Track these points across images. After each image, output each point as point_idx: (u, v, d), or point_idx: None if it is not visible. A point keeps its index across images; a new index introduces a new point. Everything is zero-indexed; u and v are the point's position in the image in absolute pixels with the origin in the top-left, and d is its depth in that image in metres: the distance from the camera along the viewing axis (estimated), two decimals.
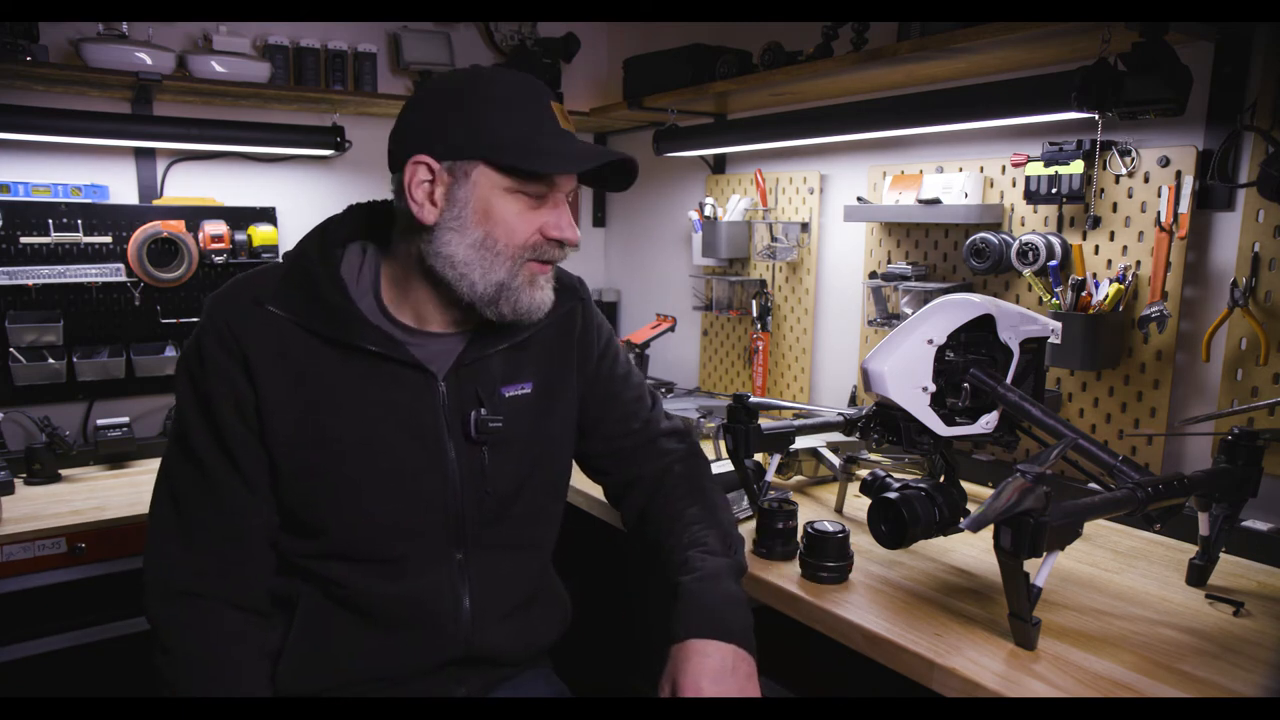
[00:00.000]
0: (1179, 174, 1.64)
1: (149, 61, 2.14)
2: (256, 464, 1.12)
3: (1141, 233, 1.70)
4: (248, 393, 1.10)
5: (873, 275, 2.18)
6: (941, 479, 1.40)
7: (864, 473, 1.56)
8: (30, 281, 2.19)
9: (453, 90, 1.10)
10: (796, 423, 1.66)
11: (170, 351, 2.36)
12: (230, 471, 1.12)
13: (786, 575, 1.40)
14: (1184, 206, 1.62)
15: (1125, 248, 1.73)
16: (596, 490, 1.46)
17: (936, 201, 1.96)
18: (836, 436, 1.74)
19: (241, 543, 1.13)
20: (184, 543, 1.12)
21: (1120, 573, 1.44)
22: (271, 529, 1.15)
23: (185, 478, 1.13)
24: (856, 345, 2.34)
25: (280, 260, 1.19)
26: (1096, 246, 1.77)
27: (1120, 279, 1.69)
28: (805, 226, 2.43)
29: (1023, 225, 1.91)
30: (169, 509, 1.14)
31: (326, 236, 1.18)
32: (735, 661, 1.08)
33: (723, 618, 1.11)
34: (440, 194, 1.08)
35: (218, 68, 2.25)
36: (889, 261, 2.19)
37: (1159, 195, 1.66)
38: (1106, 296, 1.69)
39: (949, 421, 1.39)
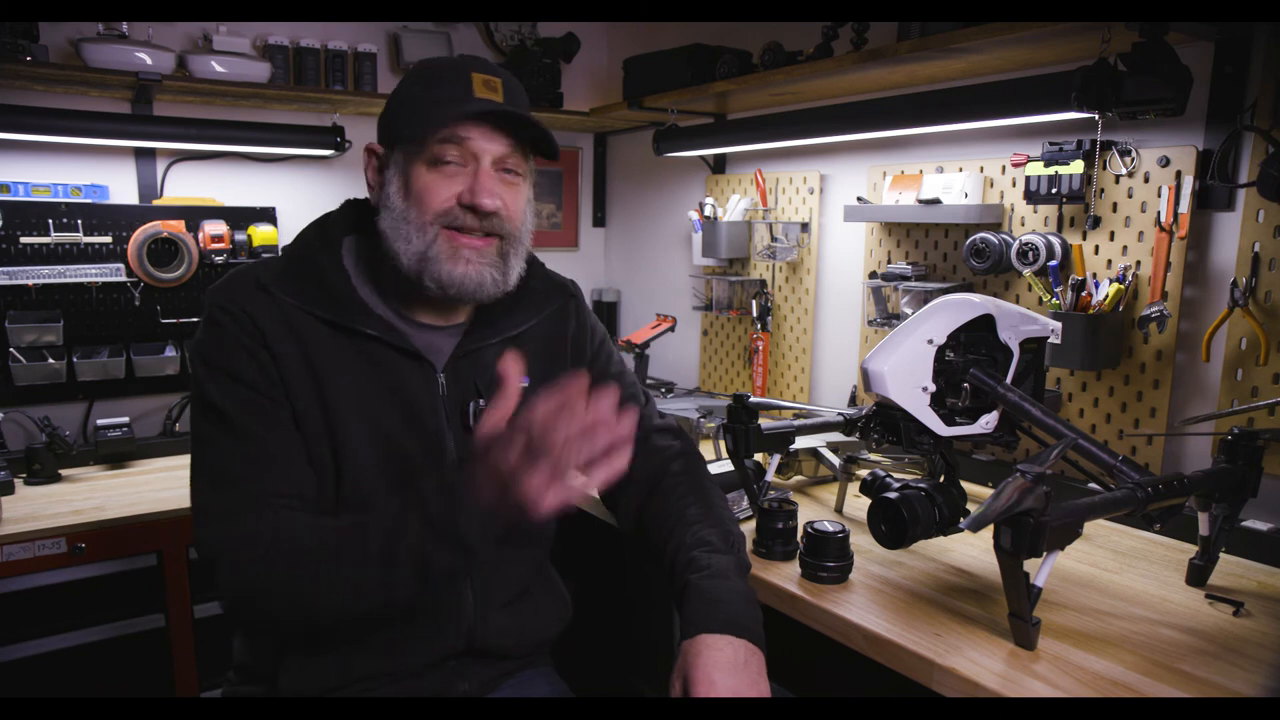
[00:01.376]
0: (1179, 174, 1.64)
1: (149, 61, 2.14)
2: (294, 429, 1.10)
3: (1141, 233, 1.70)
4: (271, 366, 1.09)
5: (873, 275, 2.18)
6: (941, 479, 1.40)
7: (864, 473, 1.56)
8: (30, 281, 2.19)
9: (401, 81, 1.19)
10: (796, 423, 1.66)
11: (170, 351, 2.36)
12: (276, 428, 1.08)
13: (786, 575, 1.40)
14: (1184, 206, 1.62)
15: (1125, 248, 1.73)
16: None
17: (936, 201, 1.96)
18: (836, 436, 1.74)
19: (306, 495, 1.08)
20: (243, 501, 1.04)
21: (1120, 573, 1.44)
22: (316, 493, 1.11)
23: (230, 454, 1.07)
24: (856, 345, 2.34)
25: (279, 254, 1.21)
26: (1096, 246, 1.77)
27: (1120, 279, 1.69)
28: (805, 226, 2.43)
29: (1023, 225, 1.91)
30: (213, 484, 1.07)
31: (327, 229, 1.21)
32: (747, 656, 1.07)
33: (734, 613, 1.10)
34: (378, 175, 1.17)
35: (218, 68, 2.25)
36: (889, 261, 2.19)
37: (1159, 195, 1.66)
38: (1106, 296, 1.69)
39: (949, 421, 1.39)
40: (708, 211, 2.58)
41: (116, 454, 2.20)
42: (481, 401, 1.19)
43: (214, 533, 1.04)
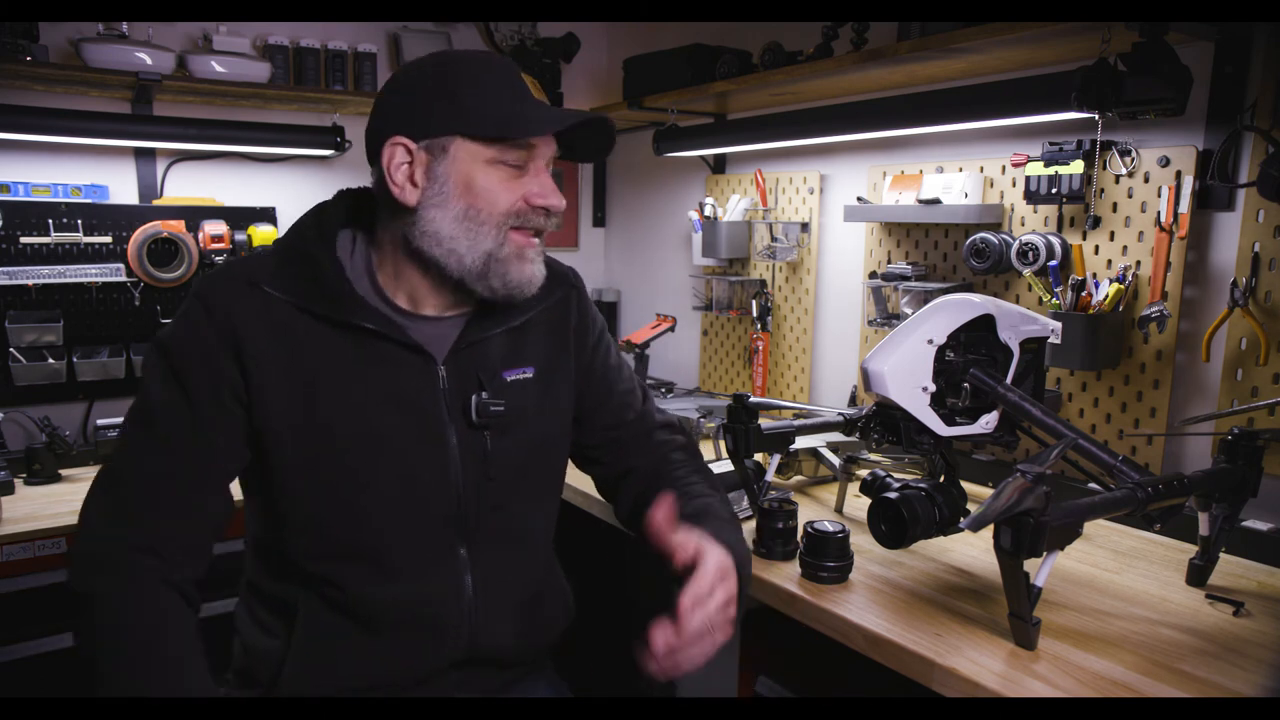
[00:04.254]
0: (1179, 174, 1.64)
1: (149, 61, 2.14)
2: (222, 452, 1.09)
3: (1141, 233, 1.70)
4: (235, 378, 1.08)
5: (873, 275, 2.18)
6: (941, 479, 1.40)
7: (864, 473, 1.56)
8: (30, 281, 2.19)
9: (423, 72, 1.12)
10: (796, 423, 1.66)
11: None
12: (189, 455, 1.07)
13: (786, 575, 1.40)
14: (1184, 206, 1.62)
15: (1125, 248, 1.73)
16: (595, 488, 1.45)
17: (936, 201, 1.96)
18: (836, 436, 1.74)
19: (186, 522, 1.09)
20: (124, 515, 1.06)
21: (1120, 573, 1.44)
22: (218, 523, 1.12)
23: (136, 457, 1.08)
24: (856, 345, 2.34)
25: (273, 246, 1.18)
26: (1096, 246, 1.77)
27: (1120, 279, 1.69)
28: (805, 226, 2.43)
29: (1023, 225, 1.91)
30: (107, 490, 1.09)
31: (323, 221, 1.17)
32: (729, 572, 1.08)
33: (740, 551, 1.13)
34: (420, 174, 1.09)
35: (218, 68, 2.25)
36: (889, 261, 2.19)
37: (1159, 195, 1.66)
38: (1106, 296, 1.69)
39: (949, 421, 1.39)
40: (708, 211, 2.58)
41: None
42: (484, 394, 1.17)
43: (85, 523, 1.09)
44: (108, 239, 2.28)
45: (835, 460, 1.80)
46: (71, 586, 1.05)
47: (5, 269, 2.16)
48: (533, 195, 1.11)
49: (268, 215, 2.50)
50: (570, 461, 1.38)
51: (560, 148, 1.17)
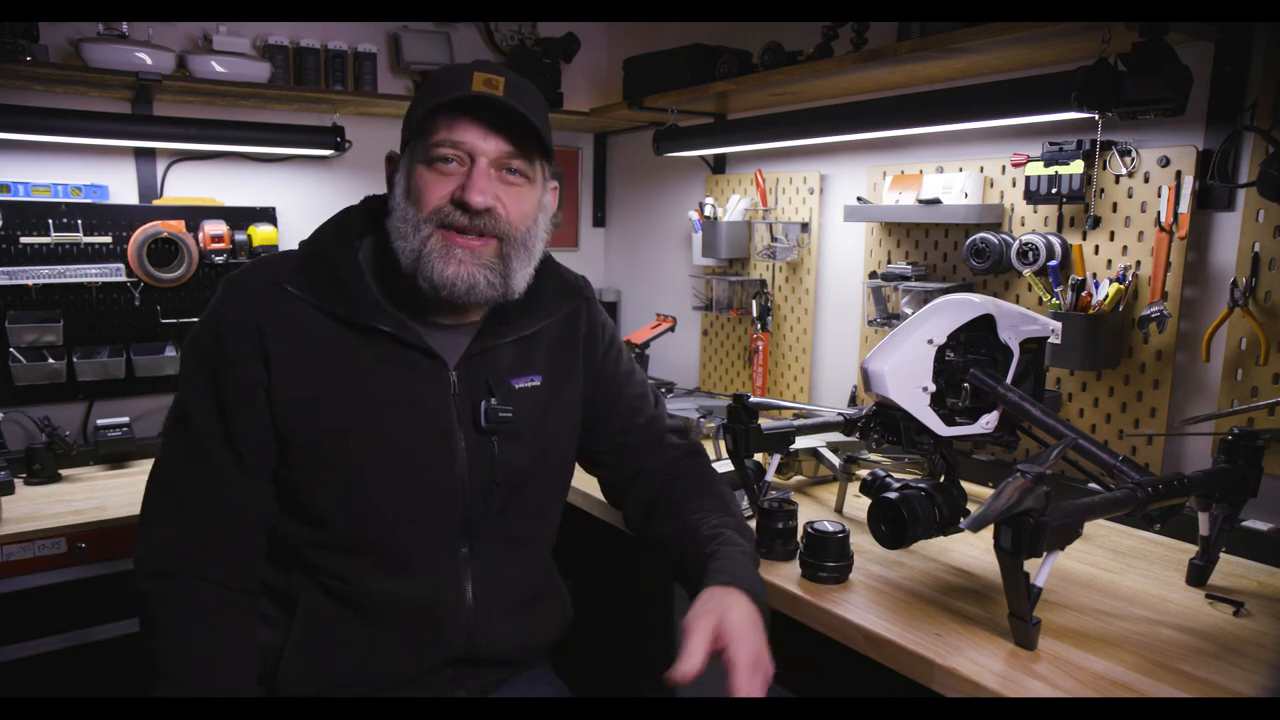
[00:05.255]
0: (1179, 174, 1.64)
1: (149, 61, 2.14)
2: (259, 449, 1.13)
3: (1141, 233, 1.70)
4: (259, 372, 1.11)
5: (873, 275, 2.18)
6: (941, 479, 1.40)
7: (864, 473, 1.56)
8: (30, 281, 2.19)
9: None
10: (796, 423, 1.66)
11: (170, 351, 2.36)
12: (230, 457, 1.12)
13: (786, 575, 1.40)
14: (1184, 206, 1.62)
15: (1125, 248, 1.73)
16: (597, 489, 1.46)
17: (936, 201, 1.96)
18: (836, 436, 1.74)
19: (236, 528, 1.14)
20: (178, 523, 1.12)
21: (1120, 573, 1.44)
22: (268, 517, 1.16)
23: (182, 460, 1.14)
24: (856, 345, 2.34)
25: (297, 247, 1.21)
26: (1096, 246, 1.77)
27: (1120, 279, 1.69)
28: (805, 226, 2.43)
29: (1023, 225, 1.91)
30: (162, 493, 1.15)
31: (345, 226, 1.21)
32: (758, 621, 1.08)
33: (753, 582, 1.13)
34: (394, 179, 1.17)
35: (218, 68, 2.25)
36: (889, 261, 2.19)
37: (1159, 195, 1.66)
38: (1106, 296, 1.69)
39: (949, 421, 1.39)
40: (708, 211, 2.58)
41: (116, 454, 2.20)
42: (493, 400, 1.19)
43: (142, 531, 1.15)
44: (108, 239, 2.27)
45: (835, 460, 1.80)
46: (134, 588, 1.12)
47: (5, 269, 2.15)
48: (455, 191, 1.11)
49: (268, 215, 2.50)
50: (580, 466, 1.40)
51: (524, 146, 1.13)
